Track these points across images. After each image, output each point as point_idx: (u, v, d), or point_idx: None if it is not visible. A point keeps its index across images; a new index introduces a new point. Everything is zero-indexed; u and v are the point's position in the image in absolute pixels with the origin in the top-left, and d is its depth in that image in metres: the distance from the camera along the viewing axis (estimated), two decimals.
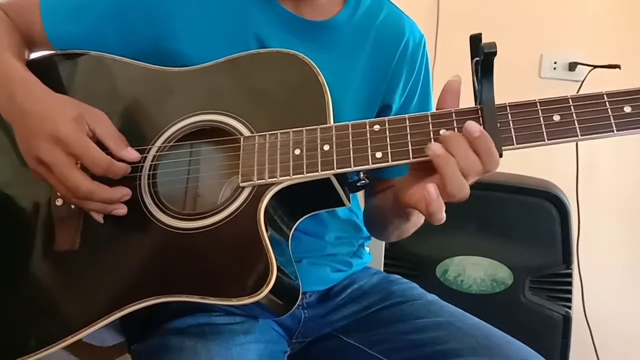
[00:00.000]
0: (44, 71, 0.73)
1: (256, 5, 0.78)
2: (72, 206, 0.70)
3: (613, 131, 0.56)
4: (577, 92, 1.72)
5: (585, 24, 1.72)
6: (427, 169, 0.61)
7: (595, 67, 1.66)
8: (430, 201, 0.58)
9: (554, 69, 1.74)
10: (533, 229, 1.38)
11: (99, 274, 0.68)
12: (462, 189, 0.58)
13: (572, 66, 1.71)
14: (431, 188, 0.58)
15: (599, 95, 0.57)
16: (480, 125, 0.58)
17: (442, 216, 0.60)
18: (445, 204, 0.60)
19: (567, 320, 1.38)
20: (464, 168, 0.57)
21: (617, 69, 1.60)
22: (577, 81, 1.70)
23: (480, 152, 0.58)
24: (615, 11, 1.71)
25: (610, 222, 1.75)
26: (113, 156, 0.67)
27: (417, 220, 0.80)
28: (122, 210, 0.67)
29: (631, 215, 1.75)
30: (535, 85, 1.75)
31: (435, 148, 0.58)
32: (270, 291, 0.59)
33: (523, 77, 1.74)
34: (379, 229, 0.89)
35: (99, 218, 0.68)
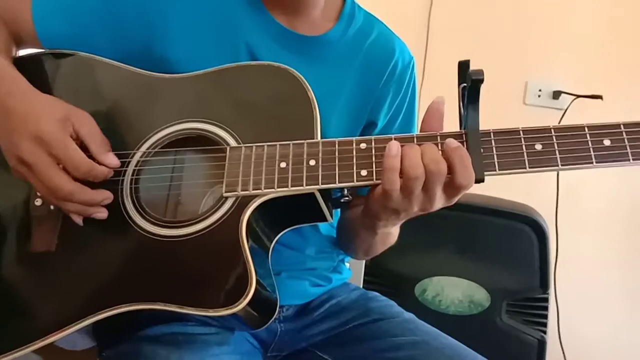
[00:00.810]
0: (31, 69, 0.73)
1: (249, 15, 0.78)
2: (51, 207, 0.69)
3: (592, 163, 0.57)
4: (560, 120, 1.76)
5: (571, 53, 1.77)
6: None
7: (578, 96, 1.70)
8: (387, 154, 0.60)
9: (539, 96, 1.77)
10: (511, 252, 1.40)
11: (75, 277, 0.67)
12: (417, 170, 0.58)
13: (556, 94, 1.75)
14: (393, 143, 0.60)
15: (580, 127, 0.59)
16: (465, 148, 0.60)
17: (395, 178, 0.59)
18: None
19: (541, 344, 1.39)
20: (429, 161, 0.58)
21: (600, 100, 1.64)
22: (560, 109, 1.74)
23: (455, 162, 0.59)
24: (600, 43, 1.75)
25: (589, 247, 1.78)
26: (94, 159, 0.66)
27: (385, 237, 0.79)
28: (102, 214, 0.66)
29: (610, 241, 1.78)
30: (519, 112, 1.79)
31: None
32: (248, 303, 0.58)
33: (508, 103, 1.77)
34: (347, 240, 0.88)
35: (79, 220, 0.67)
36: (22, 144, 0.63)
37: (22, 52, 0.80)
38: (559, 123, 1.68)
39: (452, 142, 0.60)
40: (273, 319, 0.65)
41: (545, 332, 1.40)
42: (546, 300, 1.40)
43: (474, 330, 1.36)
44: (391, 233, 0.79)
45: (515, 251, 1.40)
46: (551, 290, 1.42)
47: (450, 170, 0.59)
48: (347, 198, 0.67)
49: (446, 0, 1.79)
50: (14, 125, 0.64)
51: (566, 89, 1.73)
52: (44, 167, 0.63)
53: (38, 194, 0.69)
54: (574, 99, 1.71)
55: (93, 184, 0.65)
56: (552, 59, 1.77)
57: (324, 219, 0.69)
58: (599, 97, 1.64)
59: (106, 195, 0.66)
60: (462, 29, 1.78)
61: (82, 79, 0.77)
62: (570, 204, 1.72)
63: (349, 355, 0.79)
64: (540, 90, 1.77)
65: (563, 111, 1.72)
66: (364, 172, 0.62)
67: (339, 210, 0.88)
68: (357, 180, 0.62)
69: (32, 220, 0.69)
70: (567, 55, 1.77)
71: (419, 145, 0.61)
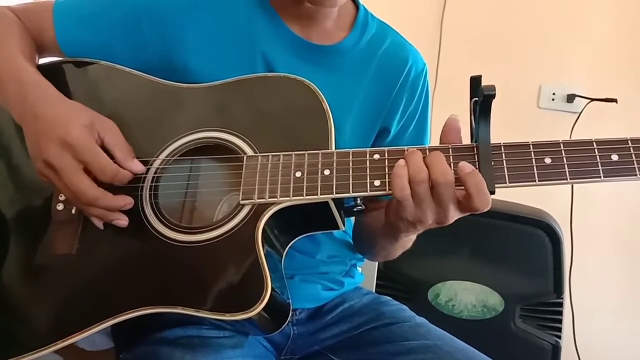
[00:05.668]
0: (54, 76, 0.74)
1: (265, 26, 0.80)
2: (73, 211, 0.71)
3: (600, 177, 0.58)
4: (574, 124, 1.72)
5: (585, 56, 1.75)
6: None
7: (592, 100, 1.69)
8: (395, 165, 0.61)
9: (553, 99, 1.76)
10: (525, 257, 1.39)
11: (95, 280, 0.69)
12: (420, 173, 0.60)
13: (571, 98, 1.74)
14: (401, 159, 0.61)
15: (589, 142, 0.59)
16: (476, 161, 0.60)
17: (404, 185, 0.61)
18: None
19: (556, 349, 1.38)
20: (434, 170, 0.60)
21: (614, 103, 1.62)
22: (574, 113, 1.72)
23: (470, 189, 0.59)
24: (615, 46, 1.73)
25: (604, 252, 1.76)
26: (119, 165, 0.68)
27: (405, 242, 0.81)
28: (122, 221, 0.68)
29: (625, 245, 1.76)
30: (533, 115, 1.78)
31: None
32: (263, 308, 0.60)
33: (522, 107, 1.76)
34: (366, 246, 0.89)
35: (100, 224, 0.69)
36: (49, 148, 0.65)
37: (42, 60, 0.82)
38: (573, 126, 1.66)
39: (466, 167, 0.60)
40: (286, 323, 0.66)
41: (559, 337, 1.39)
42: (561, 305, 1.39)
43: (488, 335, 1.35)
44: (411, 238, 0.80)
45: (529, 256, 1.39)
46: (566, 295, 1.41)
47: (467, 196, 0.60)
48: (359, 207, 0.68)
49: (459, 5, 1.79)
50: (42, 129, 0.66)
51: (580, 92, 1.72)
52: (70, 172, 0.65)
53: (60, 198, 0.71)
54: (588, 102, 1.69)
55: (115, 190, 0.67)
56: (566, 62, 1.76)
57: (337, 227, 0.70)
58: (614, 100, 1.62)
59: (128, 201, 0.68)
60: (475, 33, 1.78)
61: (103, 87, 0.79)
62: (585, 208, 1.71)
63: (360, 358, 0.80)
64: (554, 94, 1.76)
65: (577, 115, 1.71)
66: (377, 182, 0.63)
67: (351, 218, 0.89)
68: (370, 190, 0.63)
69: (54, 224, 0.71)
70: (581, 59, 1.75)
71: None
